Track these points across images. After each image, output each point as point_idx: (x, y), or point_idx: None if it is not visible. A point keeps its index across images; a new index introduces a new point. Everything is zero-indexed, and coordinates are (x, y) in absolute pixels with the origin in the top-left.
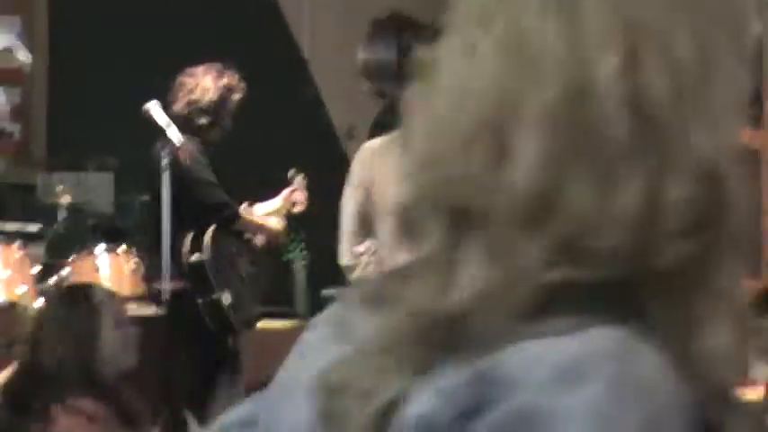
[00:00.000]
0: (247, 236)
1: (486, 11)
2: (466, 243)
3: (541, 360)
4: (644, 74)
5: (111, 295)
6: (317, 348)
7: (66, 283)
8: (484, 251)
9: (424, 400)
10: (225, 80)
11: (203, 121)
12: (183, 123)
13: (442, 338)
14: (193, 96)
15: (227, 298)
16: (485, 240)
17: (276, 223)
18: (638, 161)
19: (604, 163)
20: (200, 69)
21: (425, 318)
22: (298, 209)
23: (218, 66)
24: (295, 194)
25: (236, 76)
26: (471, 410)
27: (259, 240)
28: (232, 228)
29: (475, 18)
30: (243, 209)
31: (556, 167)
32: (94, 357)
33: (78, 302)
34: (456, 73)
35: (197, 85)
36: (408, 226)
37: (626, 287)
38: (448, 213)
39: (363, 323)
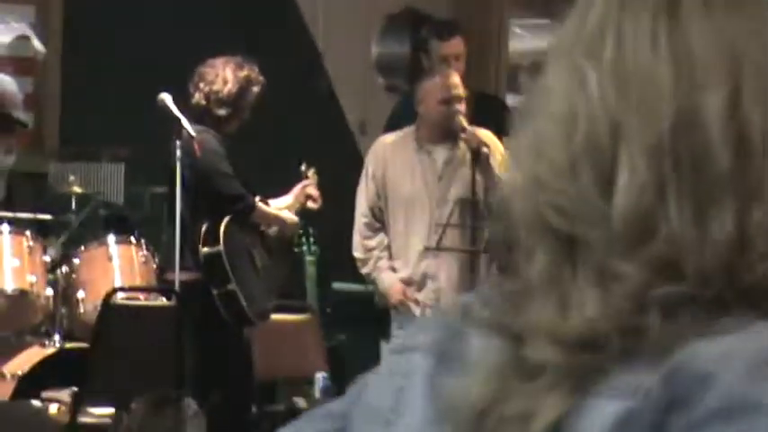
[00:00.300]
0: (262, 227)
1: (594, 38)
2: (573, 265)
3: (733, 353)
4: (746, 106)
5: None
6: (428, 376)
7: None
8: (591, 273)
9: (610, 408)
10: (245, 72)
11: (222, 112)
12: (202, 114)
13: (587, 357)
14: (213, 87)
15: (242, 289)
16: (591, 262)
17: (291, 215)
18: (733, 188)
19: (703, 190)
20: (220, 61)
21: (556, 338)
22: (311, 205)
23: (237, 59)
24: (308, 189)
25: (256, 70)
26: (672, 406)
27: (272, 230)
28: (248, 219)
29: (583, 45)
30: (258, 201)
31: (659, 193)
32: None
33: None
34: (565, 99)
35: (217, 76)
36: (512, 247)
37: (720, 303)
38: (554, 236)
39: (482, 349)
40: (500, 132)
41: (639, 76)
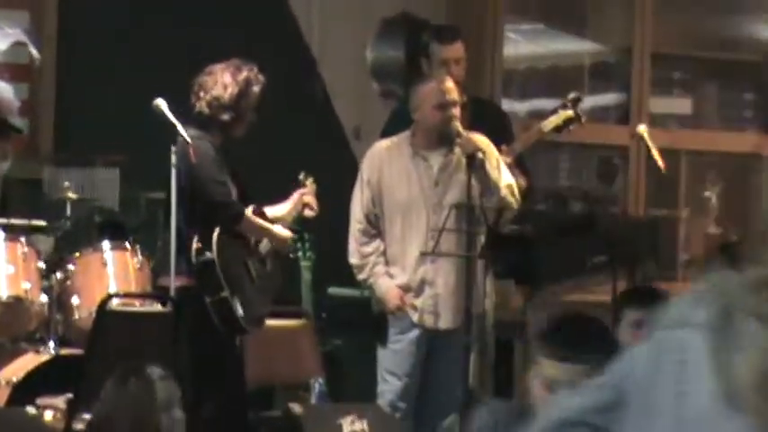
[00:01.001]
0: (254, 240)
1: None
2: None
3: None
4: None
5: (163, 375)
6: (711, 351)
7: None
8: None
9: None
10: (244, 74)
11: (226, 117)
12: (207, 122)
13: None
14: (214, 94)
15: (235, 297)
16: None
17: (282, 230)
18: None
19: None
20: (218, 67)
21: None
22: (308, 213)
23: (236, 62)
24: (306, 198)
25: (255, 69)
26: None
27: (264, 246)
28: (235, 228)
29: None
30: (251, 211)
31: None
32: None
33: (137, 384)
34: None
35: (216, 82)
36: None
37: None
38: None
39: (755, 334)
40: (496, 137)
41: None
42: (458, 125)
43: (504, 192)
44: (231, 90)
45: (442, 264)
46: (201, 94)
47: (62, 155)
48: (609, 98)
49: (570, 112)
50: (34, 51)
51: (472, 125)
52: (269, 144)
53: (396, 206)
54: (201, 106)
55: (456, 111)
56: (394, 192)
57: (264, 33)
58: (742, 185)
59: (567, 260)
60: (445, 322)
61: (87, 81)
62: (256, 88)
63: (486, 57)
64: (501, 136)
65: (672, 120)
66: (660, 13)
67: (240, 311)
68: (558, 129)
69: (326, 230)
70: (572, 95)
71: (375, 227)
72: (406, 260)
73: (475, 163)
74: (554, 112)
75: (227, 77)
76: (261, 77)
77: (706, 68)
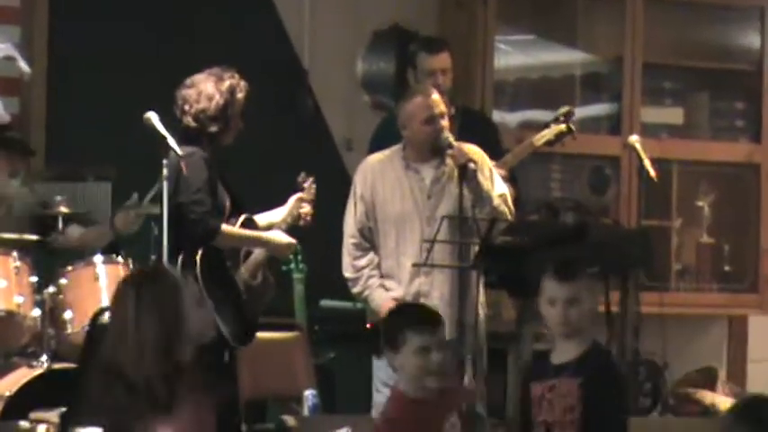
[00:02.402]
0: (243, 252)
1: None
2: None
3: None
4: None
5: (187, 277)
6: None
7: (135, 269)
8: None
9: None
10: (227, 83)
11: (214, 128)
12: (196, 135)
13: None
14: (199, 106)
15: (219, 313)
16: None
17: (279, 235)
18: None
19: None
20: (199, 78)
21: None
22: (303, 223)
23: (215, 70)
24: (303, 206)
25: (236, 75)
26: None
27: (253, 259)
28: (211, 243)
29: None
30: (241, 220)
31: None
32: (179, 335)
33: (161, 281)
34: None
35: (200, 94)
36: None
37: None
38: None
39: None
40: (485, 148)
41: None
42: (448, 136)
43: (498, 201)
44: (216, 100)
45: (437, 275)
46: (186, 107)
47: (53, 169)
48: (600, 108)
49: (563, 127)
50: (25, 65)
51: (461, 136)
52: (260, 156)
53: (389, 219)
54: (188, 120)
55: (444, 122)
56: (387, 205)
57: (255, 46)
58: (734, 195)
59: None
60: None
61: (78, 95)
62: (240, 95)
63: (476, 68)
64: (490, 147)
65: (663, 129)
66: (651, 22)
67: (224, 327)
68: (550, 143)
69: (319, 243)
70: (564, 109)
71: (369, 241)
72: (400, 273)
73: (467, 173)
74: (546, 126)
75: (209, 88)
76: (243, 83)
77: (697, 78)
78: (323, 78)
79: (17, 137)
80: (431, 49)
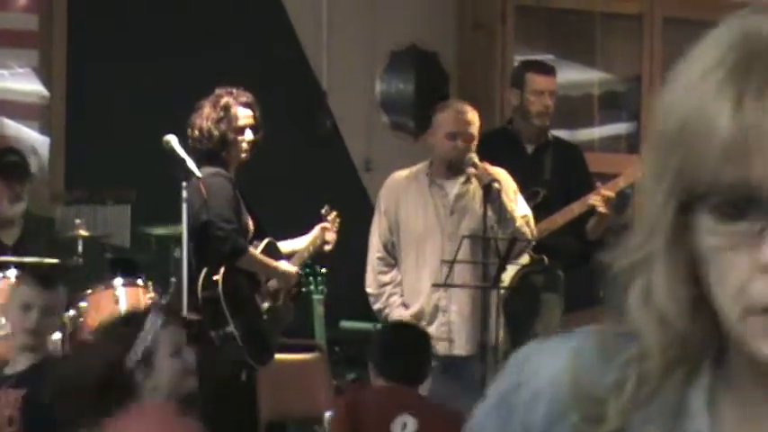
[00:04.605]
0: (260, 277)
1: None
2: None
3: None
4: None
5: (167, 322)
6: None
7: (126, 310)
8: None
9: None
10: (223, 100)
11: (219, 147)
12: (210, 157)
13: None
14: (202, 127)
15: (241, 333)
16: None
17: (287, 266)
18: None
19: None
20: (203, 101)
21: None
22: (327, 248)
23: (219, 90)
24: (327, 234)
25: (236, 91)
26: None
27: (272, 284)
28: (236, 264)
29: None
30: (265, 244)
31: None
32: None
33: (132, 331)
34: None
35: (201, 116)
36: None
37: None
38: None
39: None
40: (580, 175)
41: None
42: (472, 156)
43: (520, 222)
44: (213, 119)
45: (456, 291)
46: (190, 131)
47: (73, 192)
48: (619, 128)
49: None
50: (44, 89)
51: (556, 164)
52: (278, 177)
53: (411, 234)
54: (195, 143)
55: (467, 143)
56: (409, 220)
57: (273, 67)
58: None
59: (579, 290)
60: (459, 349)
61: (97, 118)
62: (238, 109)
63: (495, 88)
64: (583, 174)
65: None
66: (668, 41)
67: (245, 346)
68: None
69: (339, 263)
70: None
71: (392, 256)
72: (420, 287)
73: (491, 193)
74: None
75: (207, 109)
76: (245, 96)
77: None
78: (341, 99)
79: (13, 160)
80: (542, 70)
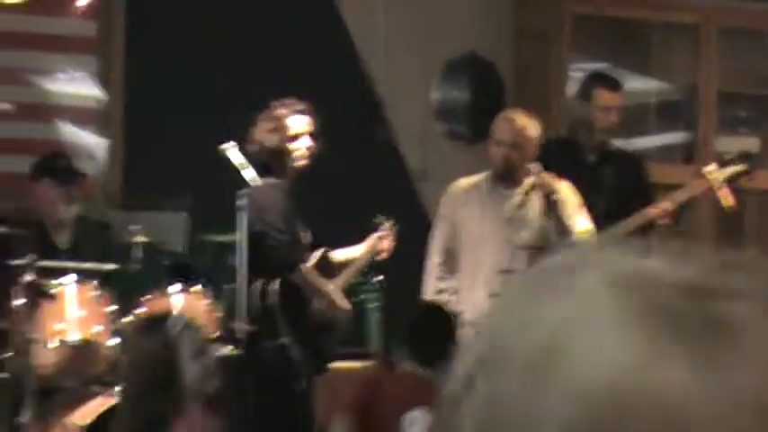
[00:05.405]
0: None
1: None
2: None
3: None
4: None
5: (189, 324)
6: None
7: (143, 314)
8: None
9: None
10: (275, 112)
11: (276, 158)
12: (267, 167)
13: None
14: (259, 140)
15: (294, 343)
16: None
17: (340, 298)
18: None
19: None
20: (262, 114)
21: None
22: (382, 257)
23: (277, 102)
24: (383, 242)
25: (289, 102)
26: None
27: (318, 303)
28: (287, 277)
29: None
30: (320, 254)
31: None
32: (173, 387)
33: (154, 334)
34: None
35: (259, 129)
36: None
37: None
38: None
39: None
40: (642, 186)
41: None
42: (533, 166)
43: (579, 236)
44: (266, 130)
45: None
46: (248, 143)
47: (130, 198)
48: (675, 137)
49: (741, 167)
50: (101, 94)
51: (618, 177)
52: (335, 187)
53: (469, 242)
54: (252, 154)
55: (510, 152)
56: (468, 227)
57: (330, 76)
58: None
59: None
60: None
61: (155, 124)
62: (292, 118)
63: (551, 96)
64: (645, 186)
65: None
66: (725, 51)
67: (299, 358)
68: (727, 182)
69: (394, 272)
70: (742, 150)
71: (451, 263)
72: (475, 296)
73: (549, 204)
74: (725, 164)
75: (262, 121)
76: (299, 105)
77: None
78: (398, 108)
79: (63, 164)
80: (611, 86)
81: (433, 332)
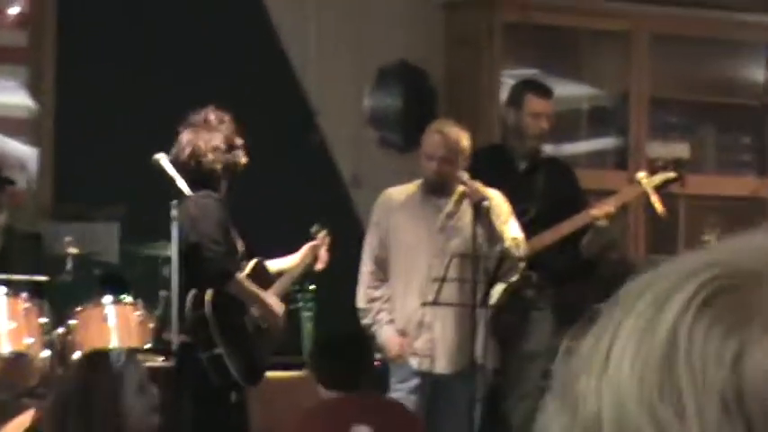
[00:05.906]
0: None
1: None
2: None
3: None
4: None
5: (131, 359)
6: None
7: (84, 351)
8: None
9: None
10: (209, 122)
11: (213, 171)
12: (198, 177)
13: None
14: (193, 151)
15: (230, 354)
16: None
17: (276, 303)
18: None
19: None
20: (192, 122)
21: None
22: (319, 267)
23: (204, 111)
24: (318, 251)
25: (220, 111)
26: None
27: (256, 311)
28: (223, 287)
29: None
30: (254, 264)
31: None
32: (119, 425)
33: (98, 371)
34: None
35: (190, 136)
36: None
37: None
38: None
39: None
40: (573, 194)
41: None
42: (462, 174)
43: (509, 244)
44: (204, 140)
45: (442, 308)
46: (179, 151)
47: (61, 209)
48: (607, 143)
49: (672, 174)
50: (32, 104)
51: (548, 184)
52: (267, 194)
53: (401, 249)
54: (184, 164)
55: (449, 164)
56: (399, 234)
57: (261, 84)
58: (741, 229)
59: (568, 306)
60: (440, 367)
61: (86, 134)
62: (226, 130)
63: (482, 103)
64: (576, 194)
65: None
66: (657, 57)
67: (234, 368)
68: (657, 189)
69: (327, 280)
70: (675, 156)
71: (383, 271)
72: (406, 303)
73: (480, 212)
74: (655, 171)
75: (195, 130)
76: (231, 117)
77: (703, 112)
78: (330, 115)
79: None
80: (541, 92)
81: (342, 357)
